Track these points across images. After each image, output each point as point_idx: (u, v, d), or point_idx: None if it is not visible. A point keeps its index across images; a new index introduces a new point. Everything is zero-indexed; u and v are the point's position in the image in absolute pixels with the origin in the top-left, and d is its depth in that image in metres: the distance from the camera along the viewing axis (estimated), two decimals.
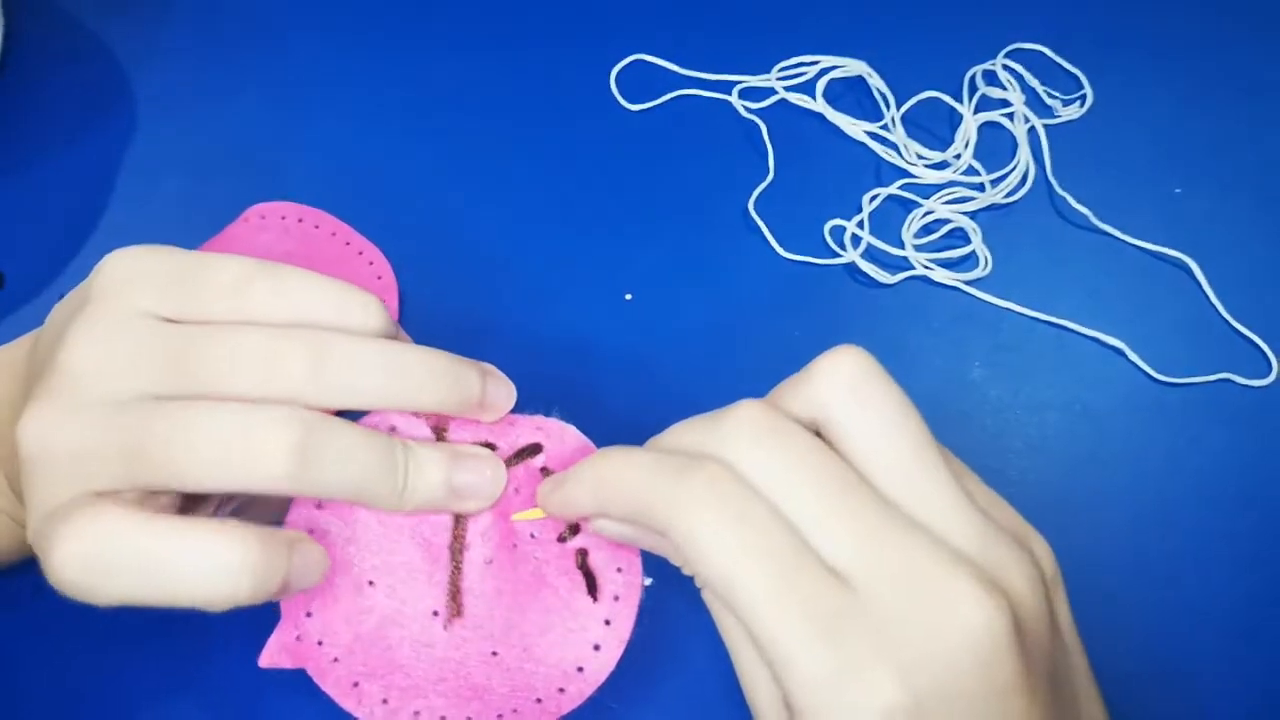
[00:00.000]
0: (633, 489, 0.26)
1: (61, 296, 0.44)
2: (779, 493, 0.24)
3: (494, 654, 0.29)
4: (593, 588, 0.30)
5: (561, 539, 0.30)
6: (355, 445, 0.27)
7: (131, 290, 0.27)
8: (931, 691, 0.23)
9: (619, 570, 0.30)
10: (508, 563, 0.30)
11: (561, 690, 0.29)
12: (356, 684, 0.29)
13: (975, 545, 0.24)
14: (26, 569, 0.34)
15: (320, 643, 0.29)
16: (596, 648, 0.29)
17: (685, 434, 0.26)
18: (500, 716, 0.29)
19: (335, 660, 0.29)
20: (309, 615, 0.29)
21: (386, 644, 0.29)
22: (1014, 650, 0.23)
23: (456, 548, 0.30)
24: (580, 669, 0.29)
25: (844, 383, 0.25)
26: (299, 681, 0.33)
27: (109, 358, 0.26)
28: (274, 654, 0.28)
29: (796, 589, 0.23)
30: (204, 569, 0.25)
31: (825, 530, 0.24)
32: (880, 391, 0.25)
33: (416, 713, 0.29)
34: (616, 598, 0.30)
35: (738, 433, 0.25)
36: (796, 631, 0.23)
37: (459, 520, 0.30)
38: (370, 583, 0.29)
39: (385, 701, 0.29)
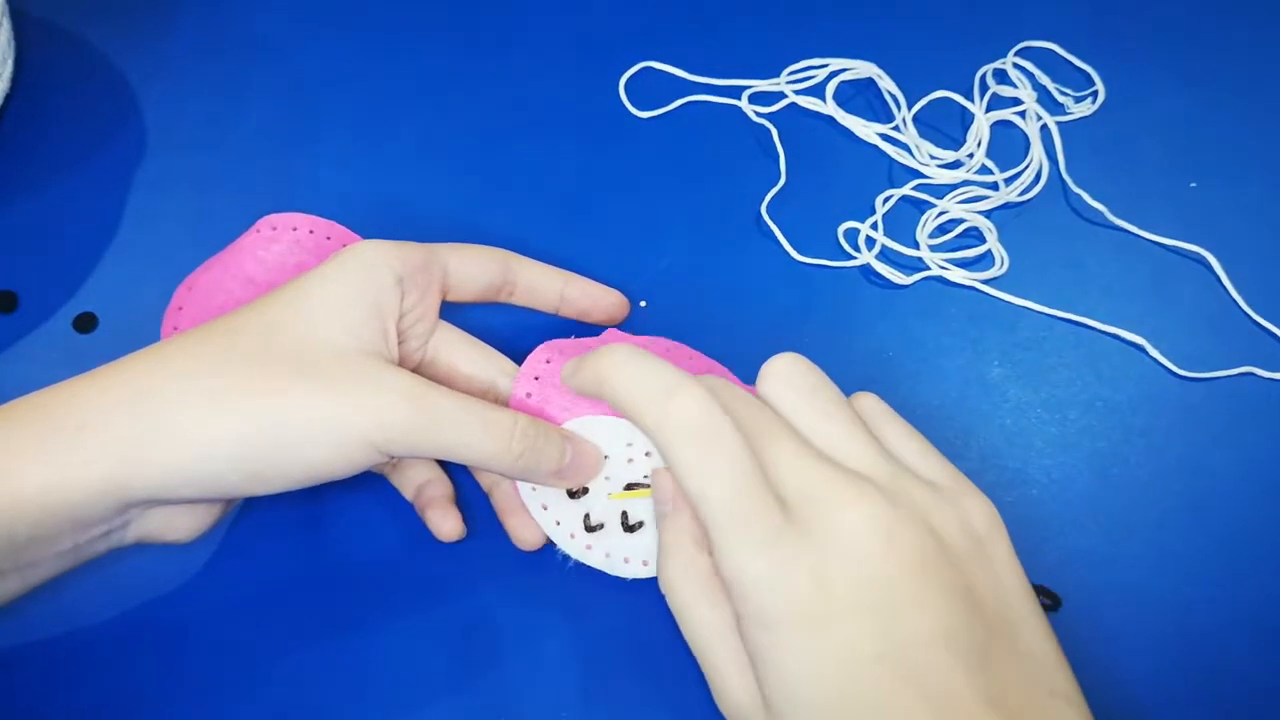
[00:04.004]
0: (628, 396, 0.32)
1: (74, 317, 0.44)
2: (743, 427, 0.32)
3: None
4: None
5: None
6: None
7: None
8: (839, 577, 0.29)
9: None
10: None
11: None
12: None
13: (878, 474, 0.31)
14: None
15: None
16: None
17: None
18: None
19: None
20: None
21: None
22: (899, 543, 0.30)
23: None
24: None
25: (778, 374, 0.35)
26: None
27: None
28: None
29: (750, 505, 0.30)
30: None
31: (772, 463, 0.31)
32: (800, 374, 0.34)
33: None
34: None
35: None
36: (746, 542, 0.30)
37: None
38: None
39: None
